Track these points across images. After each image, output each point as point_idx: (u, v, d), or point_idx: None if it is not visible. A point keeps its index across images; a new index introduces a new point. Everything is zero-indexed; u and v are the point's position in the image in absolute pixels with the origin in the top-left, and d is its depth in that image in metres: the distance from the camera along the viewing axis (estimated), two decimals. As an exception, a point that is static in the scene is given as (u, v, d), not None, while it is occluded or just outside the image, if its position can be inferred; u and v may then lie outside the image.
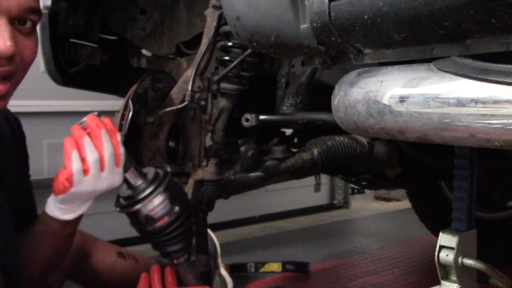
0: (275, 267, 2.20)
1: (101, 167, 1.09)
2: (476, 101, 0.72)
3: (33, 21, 1.04)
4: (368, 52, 0.88)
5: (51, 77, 1.79)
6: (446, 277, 1.24)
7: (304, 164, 1.49)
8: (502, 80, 0.70)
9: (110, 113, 1.25)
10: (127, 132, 1.29)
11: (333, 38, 0.87)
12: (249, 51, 1.41)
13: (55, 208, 1.14)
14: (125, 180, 1.17)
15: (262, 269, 2.20)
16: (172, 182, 1.21)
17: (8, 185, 1.18)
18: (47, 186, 2.35)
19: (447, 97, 0.75)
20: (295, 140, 1.72)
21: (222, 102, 1.49)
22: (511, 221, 2.22)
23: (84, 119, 1.12)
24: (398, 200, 4.11)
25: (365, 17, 0.79)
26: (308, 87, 1.53)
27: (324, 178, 3.73)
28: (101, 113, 1.14)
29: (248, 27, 0.96)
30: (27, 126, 1.36)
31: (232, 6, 0.97)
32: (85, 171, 1.07)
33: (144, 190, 1.18)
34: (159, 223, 1.19)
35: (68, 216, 1.14)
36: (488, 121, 0.72)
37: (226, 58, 1.48)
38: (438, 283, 1.24)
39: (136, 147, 1.35)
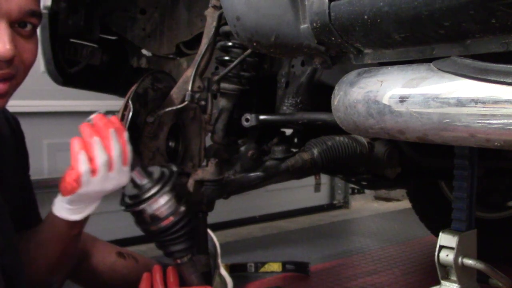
0: (275, 267, 2.20)
1: (109, 167, 1.08)
2: (476, 101, 0.72)
3: (33, 24, 1.04)
4: (368, 52, 0.88)
5: (51, 77, 1.79)
6: (446, 277, 1.24)
7: (304, 164, 1.49)
8: (502, 80, 0.70)
9: (110, 113, 1.24)
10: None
11: (333, 38, 0.87)
12: (249, 51, 1.41)
13: (63, 209, 1.13)
14: (131, 179, 1.17)
15: (262, 269, 2.20)
16: (177, 181, 1.22)
17: (8, 185, 1.18)
18: (47, 186, 2.36)
19: (447, 97, 0.75)
20: (295, 140, 1.72)
21: (222, 102, 1.49)
22: (511, 221, 2.22)
23: (91, 117, 1.11)
24: (398, 200, 4.11)
25: (365, 17, 0.79)
26: (308, 87, 1.53)
27: (324, 178, 3.73)
28: (107, 112, 1.13)
29: (248, 27, 0.96)
30: (27, 126, 1.36)
31: (232, 6, 0.97)
32: (93, 172, 1.06)
33: (150, 189, 1.18)
34: (164, 223, 1.19)
35: (76, 216, 1.14)
36: (488, 121, 0.72)
37: (226, 58, 1.48)
38: (438, 283, 1.24)
39: (136, 147, 1.35)
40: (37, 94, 2.53)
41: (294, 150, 1.56)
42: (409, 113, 0.79)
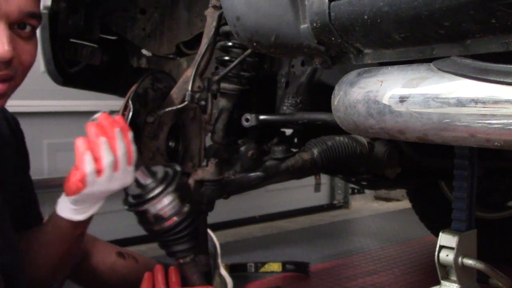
0: (275, 267, 2.20)
1: (115, 167, 1.08)
2: (476, 101, 0.72)
3: (33, 26, 1.04)
4: (368, 52, 0.88)
5: (51, 77, 1.79)
6: (446, 277, 1.24)
7: (304, 164, 1.49)
8: (502, 80, 0.71)
9: (113, 113, 1.24)
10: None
11: (333, 38, 0.87)
12: (249, 51, 1.41)
13: (67, 209, 1.13)
14: (135, 179, 1.16)
15: (262, 269, 2.20)
16: (181, 182, 1.22)
17: (8, 185, 1.18)
18: (47, 186, 2.36)
19: (447, 97, 0.75)
20: (295, 140, 1.72)
21: (222, 102, 1.49)
22: (511, 221, 2.22)
23: (96, 116, 1.11)
24: (398, 200, 4.11)
25: (365, 17, 0.79)
26: (308, 87, 1.53)
27: (324, 178, 3.73)
28: (111, 112, 1.13)
29: (248, 27, 0.96)
30: (27, 126, 1.36)
31: (232, 6, 0.97)
32: (98, 172, 1.06)
33: (153, 189, 1.18)
34: (168, 223, 1.19)
35: (80, 216, 1.14)
36: (488, 121, 0.72)
37: (226, 58, 1.48)
38: (438, 283, 1.24)
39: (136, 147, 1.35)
40: (37, 94, 2.53)
41: (294, 150, 1.56)
42: (409, 113, 0.79)
